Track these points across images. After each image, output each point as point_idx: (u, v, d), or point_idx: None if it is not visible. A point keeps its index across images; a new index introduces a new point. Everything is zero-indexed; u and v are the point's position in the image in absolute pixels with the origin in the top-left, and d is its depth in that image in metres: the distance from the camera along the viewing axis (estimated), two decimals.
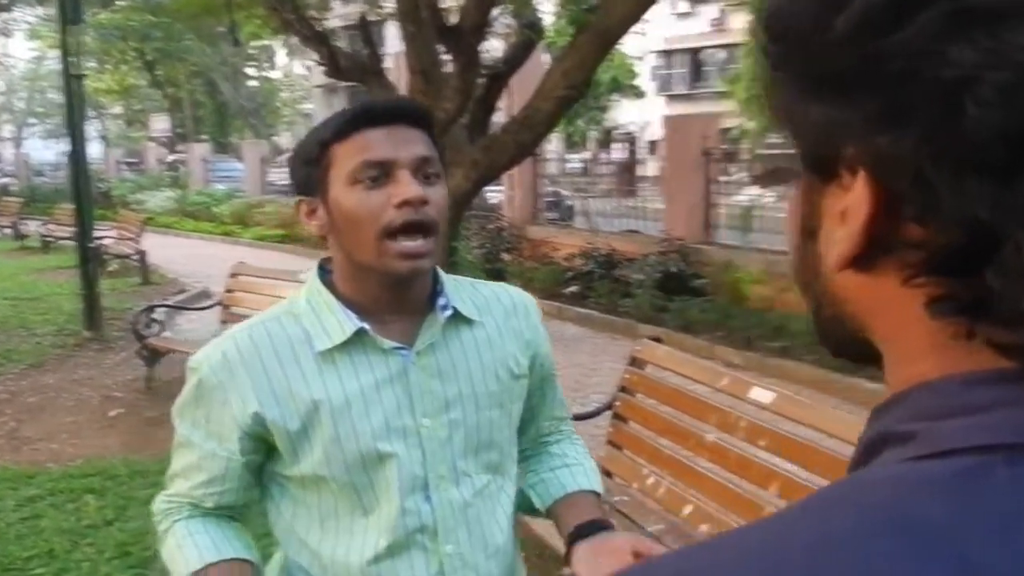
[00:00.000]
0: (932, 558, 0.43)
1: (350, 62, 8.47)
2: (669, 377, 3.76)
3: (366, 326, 1.44)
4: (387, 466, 1.44)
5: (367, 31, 8.47)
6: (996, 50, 0.44)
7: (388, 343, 1.45)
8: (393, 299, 1.47)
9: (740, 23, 30.02)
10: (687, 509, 3.32)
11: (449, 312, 1.50)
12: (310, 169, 1.44)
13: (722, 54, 37.17)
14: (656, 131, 38.89)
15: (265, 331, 1.46)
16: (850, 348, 0.60)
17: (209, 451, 1.48)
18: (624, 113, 33.60)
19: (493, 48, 9.06)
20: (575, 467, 1.72)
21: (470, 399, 1.50)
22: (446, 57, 7.98)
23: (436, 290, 1.52)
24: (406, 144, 1.40)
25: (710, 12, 37.01)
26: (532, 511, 1.72)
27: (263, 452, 1.49)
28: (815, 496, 0.50)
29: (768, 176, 10.62)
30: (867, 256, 0.52)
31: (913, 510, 0.45)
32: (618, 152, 29.64)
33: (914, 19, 0.45)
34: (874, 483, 0.48)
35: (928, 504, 0.45)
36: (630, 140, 33.11)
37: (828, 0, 0.49)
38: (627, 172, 16.67)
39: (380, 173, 1.38)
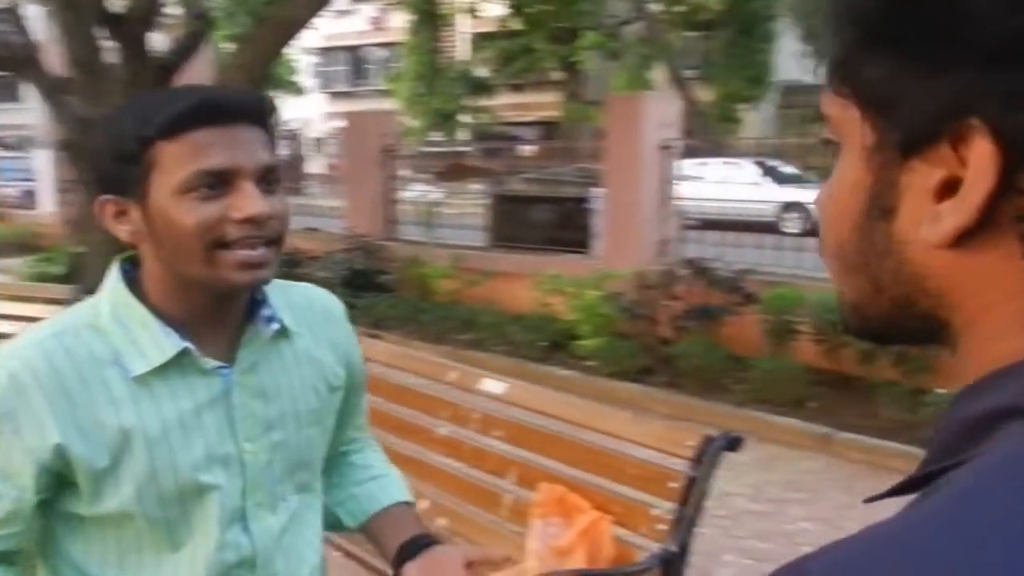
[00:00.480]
0: None
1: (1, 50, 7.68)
2: (392, 374, 3.71)
3: (190, 346, 1.28)
4: (206, 498, 1.30)
5: (17, 16, 7.72)
6: None
7: (210, 363, 1.30)
8: (216, 313, 1.31)
9: (399, 22, 30.48)
10: (424, 504, 3.29)
11: (276, 326, 1.36)
12: (124, 166, 1.23)
13: (382, 52, 37.66)
14: (319, 128, 39.08)
15: (62, 347, 1.24)
16: (902, 328, 0.60)
17: None
18: (285, 110, 33.10)
19: (159, 39, 8.55)
20: (383, 479, 1.64)
21: (292, 418, 1.39)
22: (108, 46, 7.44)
23: (256, 299, 1.37)
24: (249, 149, 1.23)
25: (369, 10, 37.22)
26: (339, 528, 1.62)
27: (55, 489, 1.28)
28: (968, 479, 0.48)
29: (450, 172, 10.86)
30: (975, 230, 0.52)
31: None
32: (282, 149, 29.11)
33: None
34: None
35: None
36: (293, 137, 32.73)
37: None
38: (293, 169, 16.44)
39: (218, 182, 1.21)
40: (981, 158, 0.50)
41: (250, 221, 1.21)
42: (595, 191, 8.71)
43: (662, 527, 2.71)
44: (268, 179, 1.25)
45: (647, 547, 2.68)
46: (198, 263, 1.22)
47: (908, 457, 5.40)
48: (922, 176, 0.54)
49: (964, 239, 0.53)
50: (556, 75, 23.65)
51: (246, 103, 1.26)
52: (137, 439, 1.24)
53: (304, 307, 1.46)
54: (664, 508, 2.71)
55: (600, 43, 21.98)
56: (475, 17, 24.02)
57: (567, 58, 22.49)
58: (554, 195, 9.84)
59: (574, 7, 18.90)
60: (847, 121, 0.59)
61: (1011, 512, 0.45)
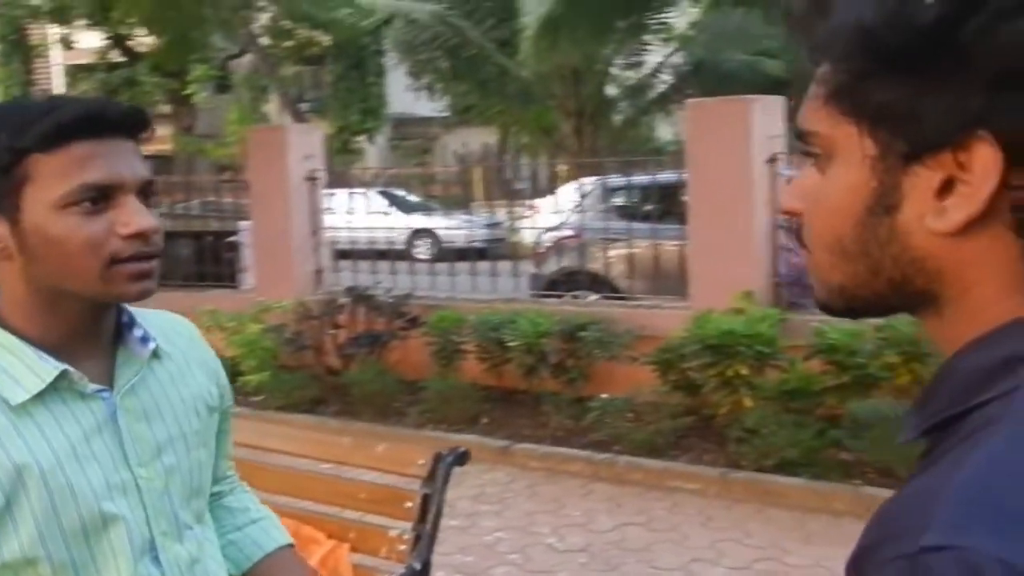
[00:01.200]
0: None
1: None
2: None
3: (69, 368, 1.20)
4: (112, 531, 1.24)
5: None
6: None
7: (90, 386, 1.23)
8: (88, 334, 1.26)
9: None
10: None
11: (152, 345, 1.31)
12: None
13: None
14: None
15: None
16: (886, 303, 0.75)
17: None
18: None
19: None
20: (263, 521, 1.59)
21: (180, 440, 1.34)
22: None
23: (123, 320, 1.31)
24: (129, 163, 1.21)
25: None
26: None
27: None
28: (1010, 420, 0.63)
29: None
30: (971, 219, 0.66)
31: None
32: None
33: None
34: None
35: None
36: None
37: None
38: None
39: (100, 196, 1.19)
40: (987, 162, 0.64)
41: (139, 236, 1.20)
42: (241, 224, 8.47)
43: (402, 547, 2.73)
44: (146, 193, 1.24)
45: (390, 569, 2.68)
46: (92, 279, 1.20)
47: (583, 461, 5.78)
48: (924, 179, 0.67)
49: (964, 226, 0.66)
50: (165, 108, 22.68)
51: (127, 116, 1.23)
52: (30, 473, 1.17)
53: (167, 329, 1.41)
54: (402, 528, 2.73)
55: (209, 76, 21.41)
56: (70, 48, 22.50)
57: (177, 91, 21.64)
58: (192, 229, 9.44)
59: (179, 40, 18.29)
60: (841, 135, 0.71)
61: None
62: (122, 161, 1.20)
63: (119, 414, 1.26)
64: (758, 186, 6.36)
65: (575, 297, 7.83)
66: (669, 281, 7.05)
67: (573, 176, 9.98)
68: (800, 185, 0.78)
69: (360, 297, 7.05)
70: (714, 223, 6.42)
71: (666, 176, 8.06)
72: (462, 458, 2.90)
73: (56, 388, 1.21)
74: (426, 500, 2.80)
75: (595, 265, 7.80)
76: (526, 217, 9.84)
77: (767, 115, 6.53)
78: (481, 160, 17.53)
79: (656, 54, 18.88)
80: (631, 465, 5.62)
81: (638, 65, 19.27)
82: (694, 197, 6.58)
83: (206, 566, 1.36)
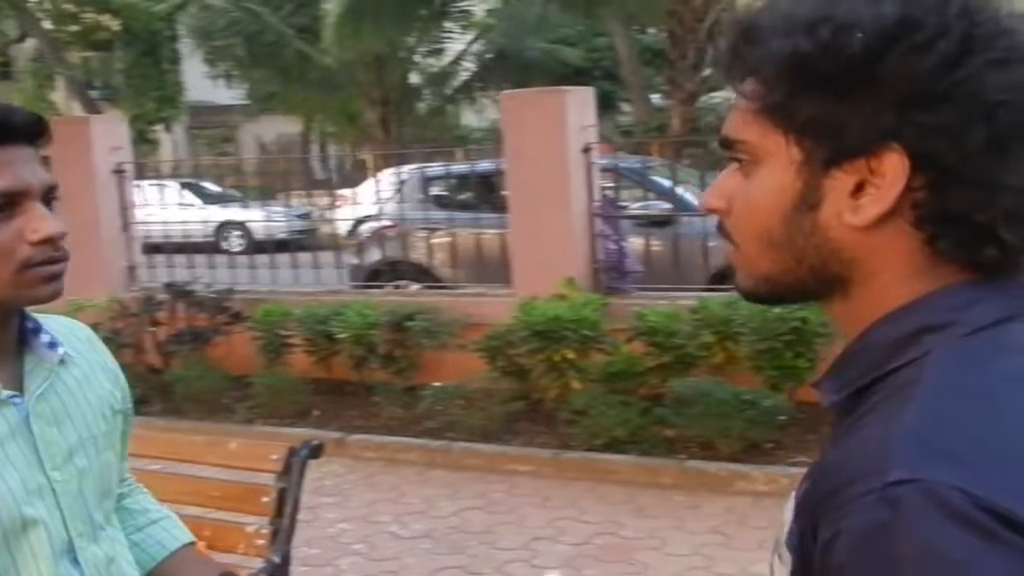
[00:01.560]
0: None
1: None
2: None
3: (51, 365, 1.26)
4: (32, 534, 1.26)
5: None
6: (1017, 83, 0.78)
7: (3, 392, 1.26)
8: (3, 337, 1.28)
9: None
10: None
11: (61, 350, 1.34)
12: None
13: None
14: None
15: None
16: (804, 288, 0.88)
17: None
18: None
19: None
20: (163, 520, 1.62)
21: (90, 443, 1.37)
22: None
23: (28, 326, 1.33)
24: (32, 169, 1.23)
25: None
26: None
27: None
28: (935, 367, 0.78)
29: None
30: (883, 215, 0.81)
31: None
32: None
33: (967, 63, 0.77)
34: (971, 351, 0.78)
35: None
36: None
37: (909, 46, 0.77)
38: None
39: (6, 203, 1.21)
40: (896, 169, 0.78)
41: (48, 241, 1.23)
42: None
43: (260, 542, 2.76)
44: (48, 198, 1.26)
45: (249, 565, 2.70)
46: (3, 285, 1.22)
47: (419, 449, 5.86)
48: (841, 182, 0.81)
49: (876, 221, 0.80)
50: None
51: (26, 122, 1.24)
52: None
53: (67, 333, 1.43)
54: (259, 523, 2.76)
55: None
56: None
57: None
58: None
59: None
60: (770, 144, 0.85)
61: (984, 373, 0.77)
62: (27, 168, 1.22)
63: (32, 419, 1.28)
64: (575, 175, 6.58)
65: (397, 287, 7.89)
66: (491, 269, 7.20)
67: (382, 165, 10.01)
68: (722, 186, 0.91)
69: (180, 293, 6.85)
70: (534, 212, 6.61)
71: (485, 165, 8.21)
72: (316, 451, 2.94)
73: None
74: (282, 494, 2.82)
75: (416, 255, 7.86)
76: (336, 207, 9.78)
77: (580, 106, 6.75)
78: (285, 149, 17.18)
79: (459, 42, 19.05)
80: (466, 451, 5.75)
81: (438, 53, 19.41)
82: (513, 187, 6.74)
83: (120, 565, 1.40)
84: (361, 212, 8.81)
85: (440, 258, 7.83)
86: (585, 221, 6.68)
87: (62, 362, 1.36)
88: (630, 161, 8.49)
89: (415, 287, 7.95)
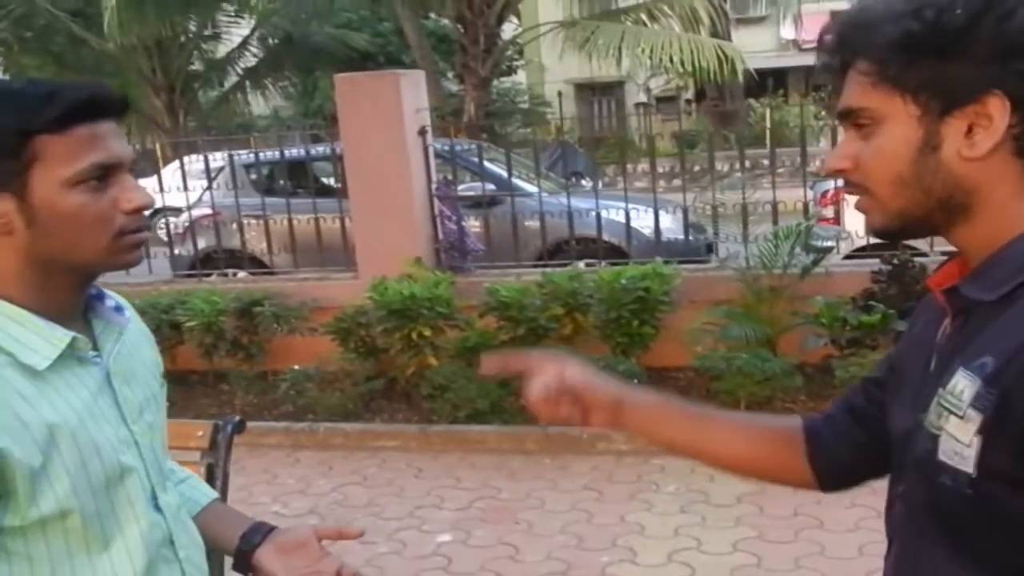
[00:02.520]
0: None
1: None
2: None
3: (77, 335, 1.33)
4: (127, 482, 1.37)
5: None
6: None
7: (90, 352, 1.37)
8: (73, 303, 1.39)
9: None
10: None
11: (128, 315, 1.47)
12: None
13: None
14: None
15: None
16: (930, 220, 1.12)
17: None
18: None
19: None
20: (190, 479, 1.72)
21: (152, 402, 1.49)
22: None
23: (92, 292, 1.44)
24: (122, 143, 1.34)
25: None
26: None
27: None
28: None
29: None
30: (991, 148, 1.08)
31: None
32: None
33: None
34: None
35: None
36: None
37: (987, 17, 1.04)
38: None
39: (105, 174, 1.30)
40: (1000, 109, 1.03)
41: (140, 210, 1.33)
42: None
43: None
44: (133, 170, 1.37)
45: None
46: (100, 251, 1.31)
47: (282, 432, 5.86)
48: (955, 127, 1.06)
49: (986, 153, 1.05)
50: None
51: (117, 99, 1.34)
52: (62, 432, 1.27)
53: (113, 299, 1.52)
54: None
55: None
56: None
57: None
58: None
59: None
60: (888, 106, 1.09)
61: None
62: (118, 142, 1.31)
63: (111, 377, 1.38)
64: (413, 157, 6.73)
65: (225, 275, 7.76)
66: (330, 254, 7.21)
67: (172, 154, 9.75)
68: (844, 151, 1.15)
69: None
70: (375, 195, 6.70)
71: (315, 150, 8.19)
72: (239, 426, 3.02)
73: (62, 355, 1.31)
74: (211, 469, 2.89)
75: (238, 242, 7.71)
76: None
77: (414, 89, 6.88)
78: None
79: (245, 28, 18.60)
80: (331, 430, 5.81)
81: (218, 38, 18.88)
82: (352, 171, 6.79)
83: (183, 513, 1.52)
84: (161, 202, 8.50)
85: (268, 245, 7.72)
86: (425, 202, 6.85)
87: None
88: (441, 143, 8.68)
89: (242, 274, 7.84)
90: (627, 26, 14.76)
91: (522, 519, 4.68)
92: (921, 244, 6.03)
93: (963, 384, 1.05)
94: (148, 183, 8.90)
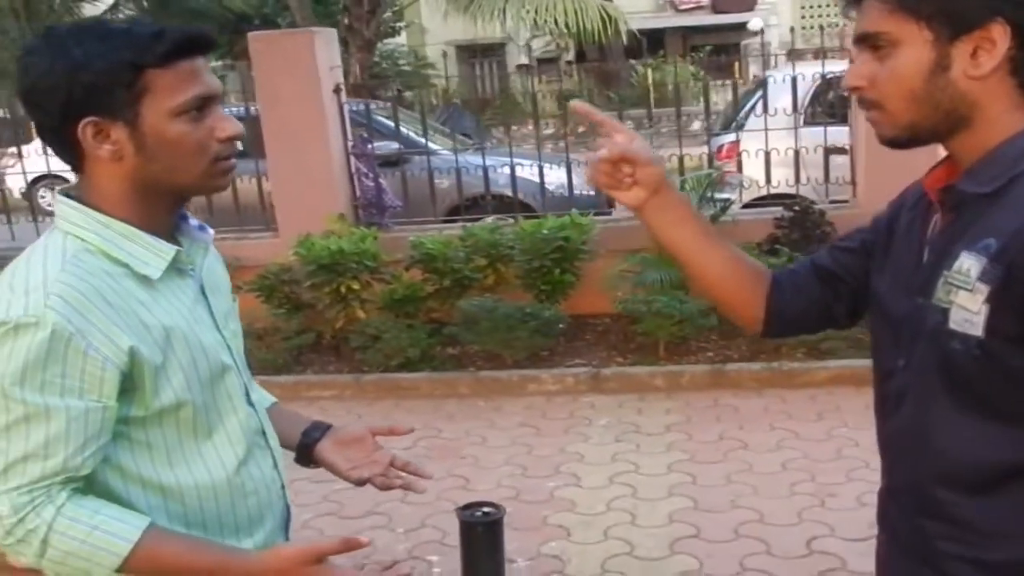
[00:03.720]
0: None
1: None
2: None
3: (180, 248, 1.48)
4: (227, 378, 1.53)
5: None
6: None
7: (188, 264, 1.52)
8: (172, 221, 1.52)
9: None
10: None
11: (212, 233, 1.60)
12: (110, 90, 1.37)
13: None
14: None
15: (83, 271, 1.38)
16: (935, 129, 1.33)
17: (79, 409, 1.35)
18: None
19: None
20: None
21: (232, 312, 1.64)
22: None
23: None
24: (213, 77, 1.46)
25: None
26: None
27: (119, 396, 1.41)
28: None
29: None
30: (995, 68, 1.27)
31: None
32: None
33: None
34: None
35: None
36: None
37: None
38: None
39: (203, 105, 1.42)
40: (1002, 35, 1.24)
41: (232, 139, 1.46)
42: None
43: None
44: (223, 103, 1.50)
45: None
46: (199, 174, 1.44)
47: None
48: (962, 50, 1.26)
49: (990, 72, 1.26)
50: None
51: (210, 38, 1.48)
52: (176, 334, 1.43)
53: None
54: None
55: None
56: None
57: None
58: None
59: None
60: (903, 31, 1.28)
61: None
62: (211, 76, 1.44)
63: (204, 287, 1.54)
64: (329, 115, 6.83)
65: None
66: (248, 214, 7.25)
67: None
68: (860, 70, 1.35)
69: None
70: (293, 154, 6.77)
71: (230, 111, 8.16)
72: None
73: (167, 267, 1.46)
74: None
75: None
76: (11, 165, 9.15)
77: (327, 47, 6.97)
78: None
79: None
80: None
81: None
82: (269, 131, 6.81)
83: (263, 410, 1.68)
84: (47, 168, 8.27)
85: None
86: (343, 160, 6.97)
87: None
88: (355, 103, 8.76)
89: None
90: None
91: (467, 454, 4.95)
92: (814, 196, 6.51)
93: (969, 263, 1.27)
94: (31, 148, 8.68)
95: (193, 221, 1.56)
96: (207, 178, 1.46)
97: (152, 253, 1.43)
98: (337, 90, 6.90)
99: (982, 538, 1.35)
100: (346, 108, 7.03)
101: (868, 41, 1.33)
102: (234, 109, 8.21)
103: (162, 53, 1.37)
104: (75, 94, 1.36)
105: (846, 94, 6.45)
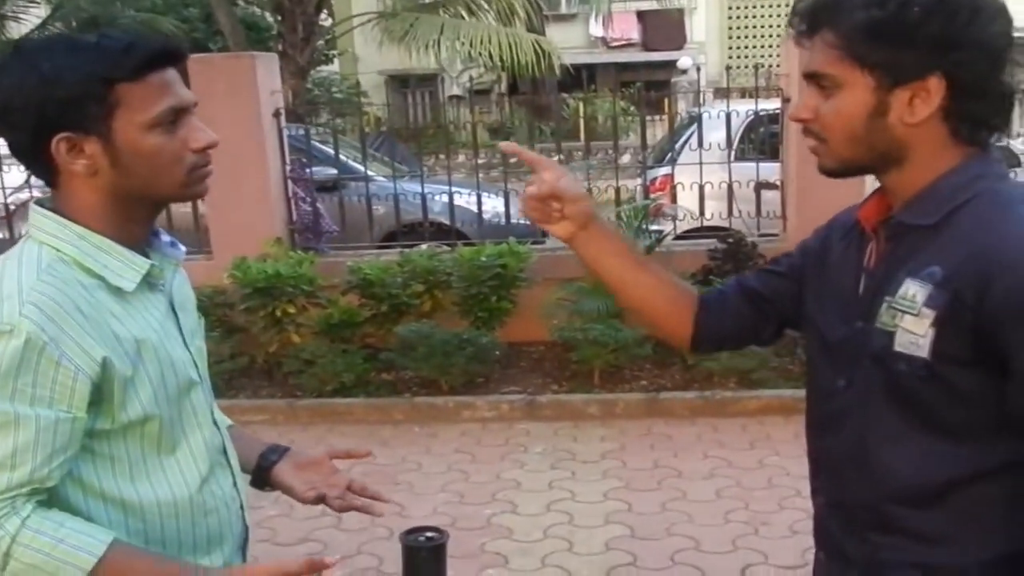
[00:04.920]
0: None
1: None
2: None
3: (154, 263, 1.49)
4: (193, 394, 1.53)
5: None
6: (1004, 31, 1.40)
7: (160, 279, 1.52)
8: (146, 235, 1.53)
9: None
10: None
11: (183, 249, 1.60)
12: (82, 105, 1.37)
13: None
14: None
15: (58, 280, 1.37)
16: (868, 167, 1.44)
17: (49, 419, 1.33)
18: None
19: None
20: None
21: (198, 330, 1.65)
22: None
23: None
24: (185, 88, 1.45)
25: None
26: None
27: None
28: (986, 202, 1.36)
29: None
30: (929, 116, 1.36)
31: None
32: None
33: (977, 22, 1.36)
34: (1008, 187, 1.42)
35: None
36: None
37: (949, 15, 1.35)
38: None
39: (176, 117, 1.42)
40: (937, 87, 1.33)
41: (206, 148, 1.47)
42: None
43: None
44: (195, 113, 1.50)
45: None
46: (176, 185, 1.45)
47: None
48: (900, 97, 1.35)
49: (922, 120, 1.35)
50: None
51: (182, 49, 1.49)
52: (147, 347, 1.43)
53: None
54: None
55: None
56: None
57: None
58: None
59: None
60: (849, 75, 1.36)
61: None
62: (183, 87, 1.44)
63: (173, 302, 1.54)
64: (269, 139, 6.80)
65: None
66: (180, 234, 7.14)
67: None
68: (807, 104, 1.43)
69: None
70: (230, 177, 6.64)
71: None
72: None
73: (140, 280, 1.46)
74: None
75: None
76: None
77: (268, 71, 6.96)
78: None
79: (44, 9, 17.73)
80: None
81: (12, 18, 17.93)
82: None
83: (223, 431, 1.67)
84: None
85: None
86: (280, 184, 6.93)
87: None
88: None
89: None
90: (446, 19, 15.01)
91: (402, 480, 4.92)
92: (745, 228, 6.66)
93: (914, 289, 1.36)
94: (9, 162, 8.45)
95: (165, 237, 1.56)
96: (183, 187, 1.47)
97: (127, 266, 1.44)
98: (277, 114, 6.87)
99: (928, 545, 1.43)
100: (285, 133, 6.99)
101: (815, 79, 1.41)
102: None
103: (133, 66, 1.37)
104: (47, 111, 1.36)
105: (778, 128, 6.63)
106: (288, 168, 7.00)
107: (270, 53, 7.38)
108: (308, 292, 6.16)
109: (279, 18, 15.37)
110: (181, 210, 7.08)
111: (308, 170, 7.09)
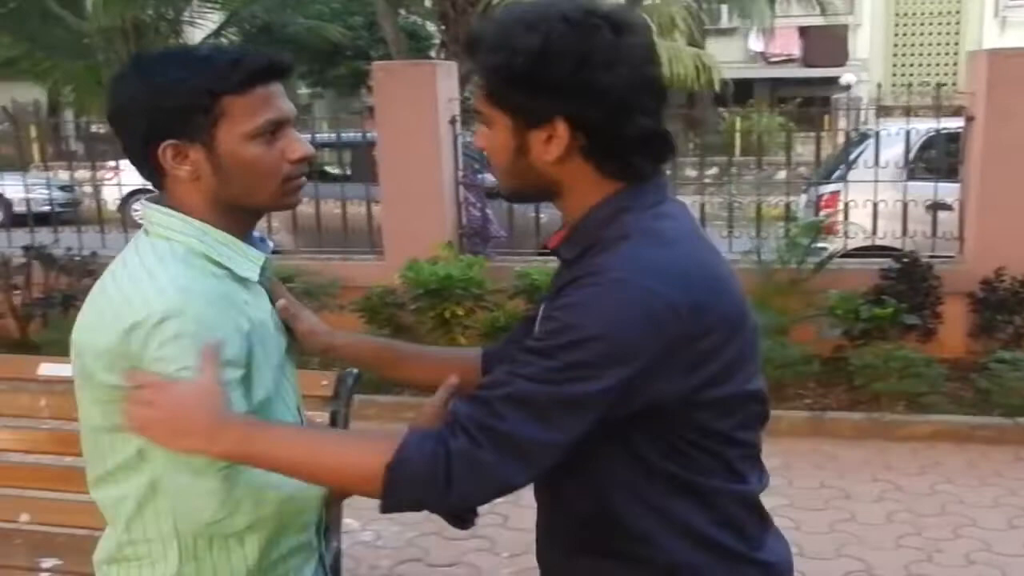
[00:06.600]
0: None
1: None
2: None
3: (268, 256, 1.60)
4: (287, 372, 1.63)
5: None
6: (620, 77, 1.34)
7: (267, 272, 1.62)
8: (243, 235, 1.59)
9: None
10: None
11: (272, 245, 1.70)
12: (189, 115, 1.46)
13: None
14: None
15: (199, 270, 1.47)
16: (536, 197, 1.50)
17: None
18: None
19: None
20: None
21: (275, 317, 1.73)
22: None
23: None
24: (287, 102, 1.53)
25: None
26: None
27: None
28: (633, 230, 1.36)
29: None
30: (563, 155, 1.39)
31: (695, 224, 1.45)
32: None
33: (586, 71, 1.32)
34: (668, 214, 1.41)
35: (691, 220, 1.47)
36: None
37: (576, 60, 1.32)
38: None
39: (276, 128, 1.50)
40: (563, 129, 1.36)
41: (303, 160, 1.54)
42: None
43: None
44: (295, 125, 1.58)
45: None
46: (272, 193, 1.53)
47: None
48: (537, 137, 1.38)
49: (560, 158, 1.38)
50: None
51: (288, 65, 1.55)
52: (268, 331, 1.55)
53: None
54: None
55: None
56: None
57: None
58: None
59: None
60: (493, 114, 1.40)
61: (669, 228, 1.39)
62: (285, 101, 1.51)
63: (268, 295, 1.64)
64: (445, 145, 7.01)
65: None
66: (354, 236, 7.45)
67: None
68: (480, 136, 1.47)
69: (42, 256, 6.65)
70: (406, 180, 6.96)
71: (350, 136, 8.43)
72: (358, 378, 3.27)
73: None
74: (334, 416, 3.12)
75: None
76: (102, 180, 9.37)
77: (447, 79, 7.17)
78: (35, 117, 16.00)
79: (222, 15, 18.62)
80: (364, 402, 6.04)
81: (192, 24, 18.85)
82: (386, 157, 7.03)
83: None
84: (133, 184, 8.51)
85: (294, 225, 7.95)
86: (452, 189, 7.13)
87: None
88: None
89: None
90: None
91: None
92: (927, 247, 6.50)
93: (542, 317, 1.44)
94: (127, 163, 8.94)
95: (255, 233, 1.63)
96: (278, 197, 1.54)
97: (245, 258, 1.54)
98: (453, 121, 7.08)
99: None
100: (459, 139, 7.20)
101: (478, 115, 1.47)
102: (352, 135, 8.43)
103: (238, 80, 1.45)
104: (156, 118, 1.46)
105: (957, 148, 6.45)
106: (460, 173, 7.20)
107: (450, 62, 7.57)
108: (477, 295, 6.33)
109: (443, 27, 15.72)
110: (357, 210, 7.38)
111: (479, 176, 7.28)
